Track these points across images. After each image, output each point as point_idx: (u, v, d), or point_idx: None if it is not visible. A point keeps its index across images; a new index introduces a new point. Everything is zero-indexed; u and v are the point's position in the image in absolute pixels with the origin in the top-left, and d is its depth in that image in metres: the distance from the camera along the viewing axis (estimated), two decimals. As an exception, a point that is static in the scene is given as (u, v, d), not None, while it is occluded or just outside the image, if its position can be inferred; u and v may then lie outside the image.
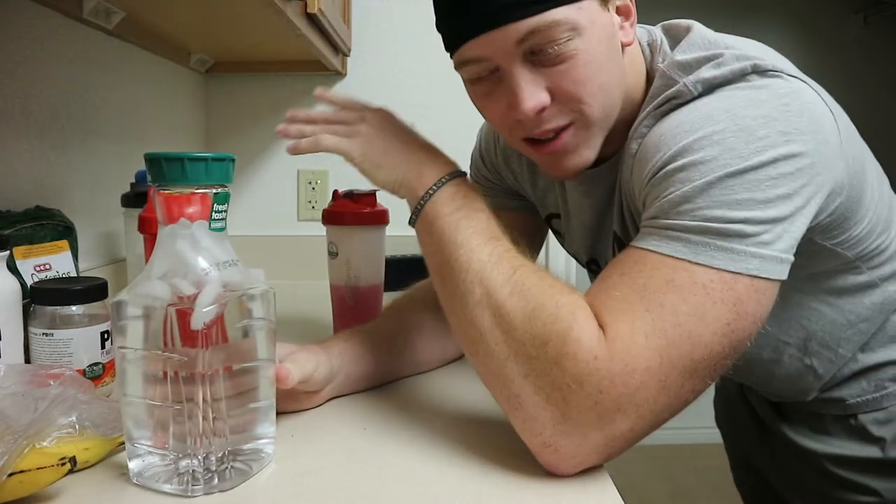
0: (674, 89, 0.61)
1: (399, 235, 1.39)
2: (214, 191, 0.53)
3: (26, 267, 0.81)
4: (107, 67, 1.16)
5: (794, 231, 0.55)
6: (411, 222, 0.67)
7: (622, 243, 0.75)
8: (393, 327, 0.82)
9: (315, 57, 1.40)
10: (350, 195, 0.98)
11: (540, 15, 0.57)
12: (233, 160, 0.54)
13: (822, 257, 0.66)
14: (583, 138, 0.64)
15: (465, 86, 0.67)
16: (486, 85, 0.63)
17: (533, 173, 0.84)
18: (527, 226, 0.89)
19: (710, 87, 0.60)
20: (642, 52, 0.68)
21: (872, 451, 0.76)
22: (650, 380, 0.51)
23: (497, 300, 0.57)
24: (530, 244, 0.91)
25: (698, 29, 0.66)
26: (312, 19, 1.16)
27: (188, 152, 0.51)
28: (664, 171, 0.57)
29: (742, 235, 0.53)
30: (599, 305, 0.55)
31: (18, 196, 0.91)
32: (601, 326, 0.53)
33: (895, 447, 0.75)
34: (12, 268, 0.75)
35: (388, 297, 0.94)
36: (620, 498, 0.52)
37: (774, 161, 0.54)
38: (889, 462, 0.75)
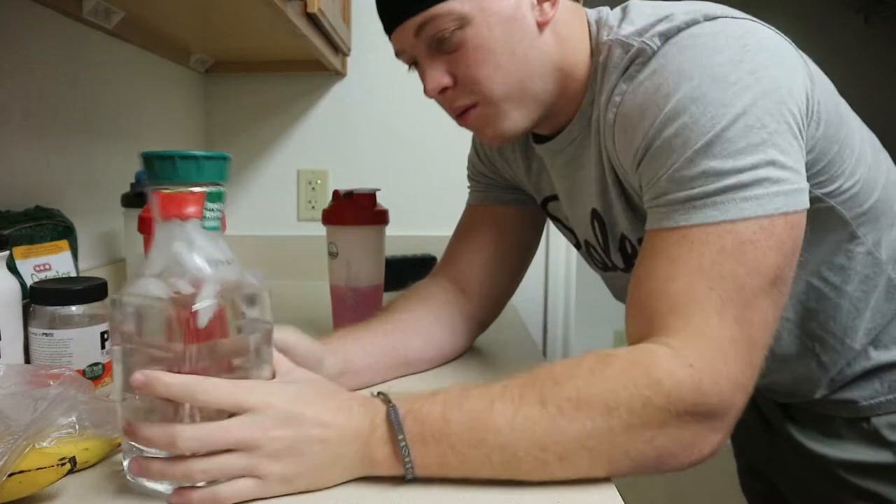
0: (634, 49, 0.63)
1: (399, 235, 1.39)
2: (207, 189, 0.52)
3: (26, 267, 0.81)
4: (106, 67, 1.16)
5: (796, 157, 0.58)
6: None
7: (601, 219, 0.75)
8: (390, 327, 0.81)
9: (315, 57, 1.39)
10: (350, 195, 0.98)
11: (427, 10, 0.66)
12: (226, 158, 0.54)
13: (818, 215, 0.65)
14: (493, 114, 0.70)
15: None
16: (419, 73, 0.72)
17: (527, 158, 0.85)
18: (525, 218, 0.90)
19: (667, 38, 0.61)
20: (589, 28, 0.71)
21: (886, 457, 0.74)
22: (740, 343, 0.54)
23: (567, 433, 0.52)
24: (529, 235, 0.92)
25: (638, 2, 0.69)
26: (312, 19, 1.16)
27: (182, 150, 0.51)
28: (659, 140, 0.59)
29: (758, 180, 0.55)
30: (664, 309, 0.56)
31: (18, 196, 0.91)
32: (670, 332, 0.54)
33: None
34: (12, 268, 0.75)
35: (388, 297, 0.94)
36: (620, 498, 0.52)
37: (754, 102, 0.56)
38: None
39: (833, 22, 3.02)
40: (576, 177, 0.76)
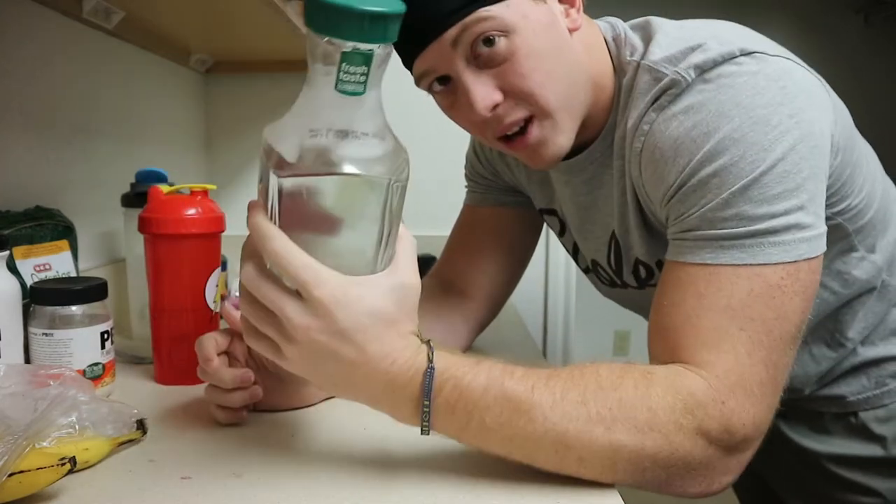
0: (667, 80, 0.62)
1: (399, 235, 1.39)
2: (344, 48, 0.45)
3: (26, 267, 0.81)
4: (106, 67, 1.16)
5: (820, 202, 0.59)
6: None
7: (617, 243, 0.75)
8: None
9: (315, 57, 1.39)
10: (350, 195, 0.98)
11: (467, 16, 0.60)
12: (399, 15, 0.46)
13: (828, 231, 0.65)
14: (550, 127, 0.65)
15: (438, 104, 0.69)
16: (448, 97, 0.66)
17: (530, 168, 0.84)
18: (524, 220, 0.89)
19: (702, 71, 0.61)
20: (606, 44, 0.69)
21: (874, 450, 0.76)
22: (766, 385, 0.55)
23: (604, 446, 0.52)
24: (528, 237, 0.91)
25: (659, 21, 0.68)
26: (312, 19, 1.16)
27: None
28: (696, 179, 0.58)
29: (788, 227, 0.56)
30: (694, 342, 0.56)
31: (18, 196, 0.91)
32: (701, 364, 0.55)
33: None
34: (12, 268, 0.75)
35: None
36: (620, 498, 0.52)
37: (793, 147, 0.57)
38: (891, 461, 0.75)
39: (833, 22, 3.02)
40: (595, 195, 0.75)
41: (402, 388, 0.52)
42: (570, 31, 0.66)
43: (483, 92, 0.62)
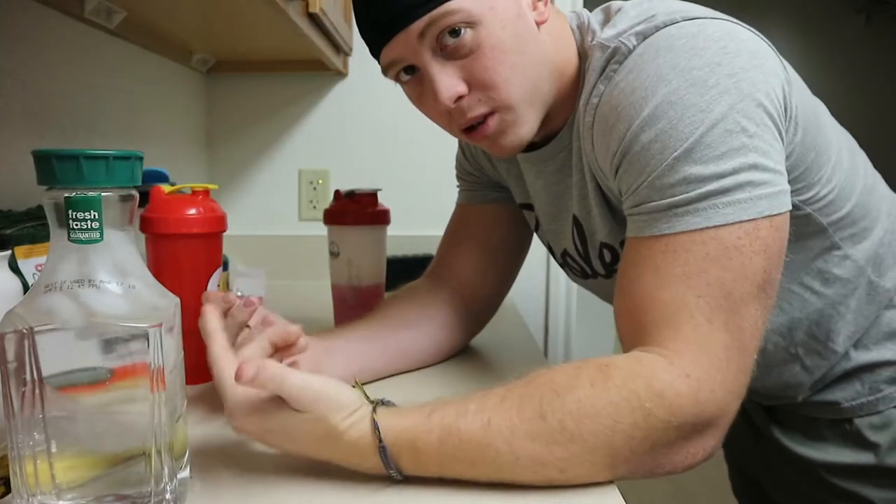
0: (611, 49, 0.62)
1: (400, 235, 1.39)
2: (65, 194, 0.43)
3: (28, 267, 0.81)
4: (108, 67, 1.16)
5: (777, 158, 0.57)
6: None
7: (580, 226, 0.75)
8: (383, 324, 0.81)
9: (316, 57, 1.40)
10: (351, 195, 0.98)
11: (435, 10, 0.61)
12: (140, 158, 0.46)
13: (794, 222, 0.64)
14: (511, 119, 0.66)
15: (407, 95, 0.70)
16: (415, 87, 0.67)
17: (509, 161, 0.84)
18: (514, 216, 0.89)
19: (644, 37, 0.60)
20: (573, 34, 0.70)
21: (867, 458, 0.74)
22: (732, 349, 0.54)
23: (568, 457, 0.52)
24: (520, 233, 0.91)
25: (619, 4, 0.68)
26: (314, 19, 1.16)
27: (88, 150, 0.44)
28: (637, 145, 0.58)
29: (740, 185, 0.55)
30: (654, 318, 0.55)
31: (20, 195, 0.91)
32: (662, 341, 0.54)
33: (891, 454, 0.73)
34: (14, 267, 0.76)
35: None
36: (621, 497, 0.52)
37: (732, 106, 0.55)
38: (884, 470, 0.74)
39: (834, 22, 3.02)
40: (565, 184, 0.75)
41: (364, 460, 0.53)
42: (538, 23, 0.66)
43: (448, 83, 0.63)
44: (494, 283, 0.91)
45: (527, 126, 0.67)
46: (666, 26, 0.60)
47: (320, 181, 1.63)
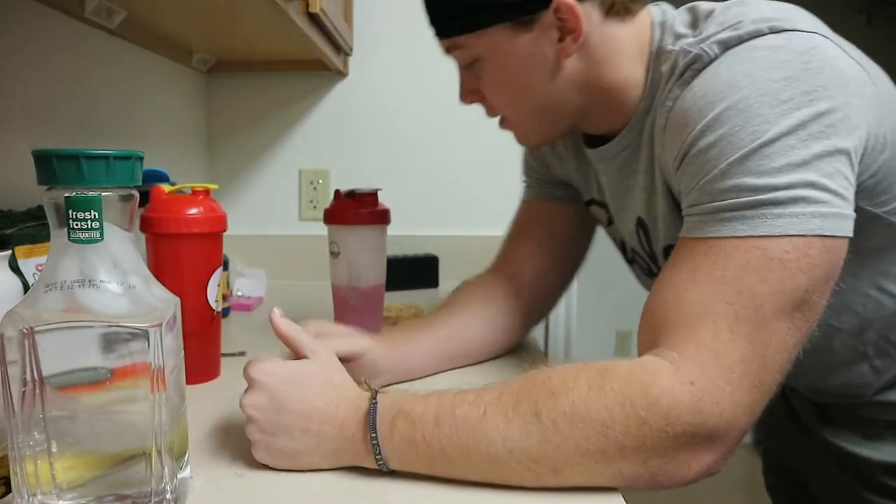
0: (692, 55, 0.61)
1: (400, 235, 1.39)
2: (66, 194, 0.43)
3: (28, 267, 0.81)
4: (108, 67, 1.16)
5: (841, 183, 0.54)
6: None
7: (645, 227, 0.75)
8: (447, 322, 0.85)
9: (317, 56, 1.39)
10: (352, 195, 0.98)
11: (446, 38, 0.70)
12: (141, 158, 0.47)
13: (876, 231, 0.63)
14: (522, 126, 0.75)
15: None
16: None
17: (577, 156, 0.85)
18: (577, 216, 0.90)
19: (727, 47, 0.59)
20: (652, 31, 0.68)
21: None
22: (750, 363, 0.52)
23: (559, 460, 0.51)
24: (582, 232, 0.92)
25: (708, 7, 0.66)
26: (314, 19, 1.16)
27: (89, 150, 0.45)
28: (696, 148, 0.57)
29: (794, 199, 0.52)
30: (675, 316, 0.54)
31: (20, 195, 0.91)
32: (676, 343, 0.53)
33: None
34: (14, 267, 0.75)
35: (389, 298, 0.94)
36: (622, 498, 0.52)
37: (802, 123, 0.53)
38: None
39: (835, 22, 3.00)
40: (626, 183, 0.75)
41: (350, 427, 0.55)
42: (562, 56, 0.66)
43: (465, 88, 0.74)
44: (554, 282, 0.91)
45: (536, 135, 0.75)
46: (751, 38, 0.58)
47: (320, 181, 1.63)
